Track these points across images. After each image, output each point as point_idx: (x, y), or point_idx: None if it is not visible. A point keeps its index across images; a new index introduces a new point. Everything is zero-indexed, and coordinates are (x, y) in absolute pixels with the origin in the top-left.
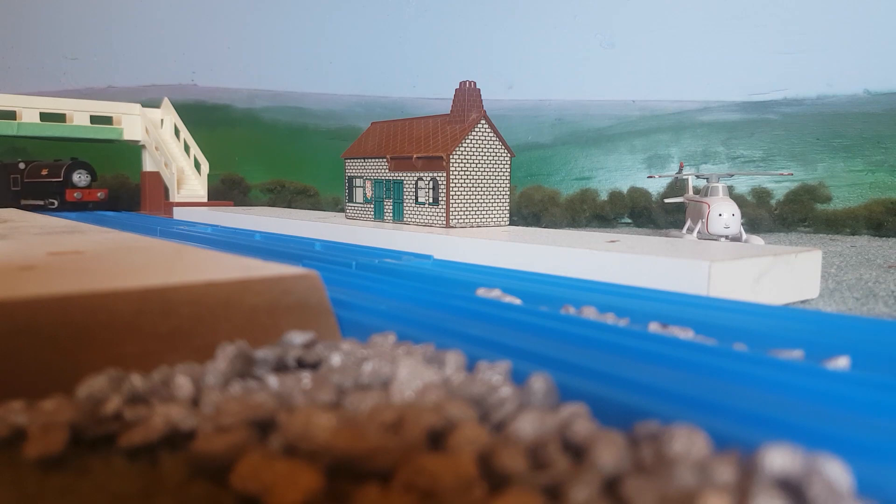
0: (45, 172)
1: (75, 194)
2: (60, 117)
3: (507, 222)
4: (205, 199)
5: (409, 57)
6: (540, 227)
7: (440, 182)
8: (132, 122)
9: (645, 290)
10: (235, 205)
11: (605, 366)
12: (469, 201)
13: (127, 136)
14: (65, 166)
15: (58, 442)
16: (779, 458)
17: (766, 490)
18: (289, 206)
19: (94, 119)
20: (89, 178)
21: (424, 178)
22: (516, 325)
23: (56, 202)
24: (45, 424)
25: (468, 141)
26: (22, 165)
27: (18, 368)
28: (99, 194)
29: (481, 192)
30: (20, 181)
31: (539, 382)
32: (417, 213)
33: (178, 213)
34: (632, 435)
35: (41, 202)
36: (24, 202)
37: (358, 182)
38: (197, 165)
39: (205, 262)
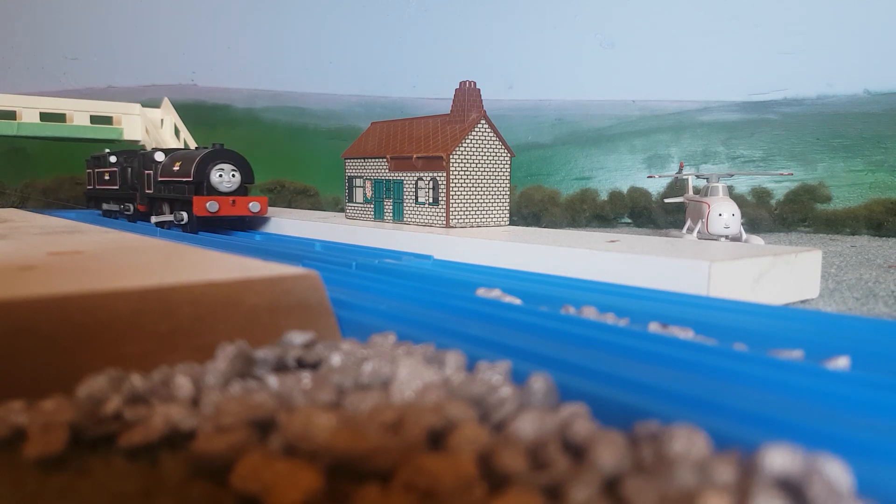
0: (177, 167)
1: (207, 205)
2: (60, 117)
3: (507, 222)
4: None
5: (409, 57)
6: (540, 227)
7: (440, 182)
8: (132, 122)
9: (645, 290)
10: None
11: (605, 366)
12: (469, 201)
13: (127, 136)
14: (197, 158)
15: (58, 442)
16: (779, 458)
17: (766, 490)
18: (289, 206)
19: (94, 119)
20: (238, 179)
21: (424, 178)
22: (516, 325)
23: (185, 216)
24: (45, 424)
25: (468, 141)
26: (160, 156)
27: (18, 368)
28: (252, 205)
29: (481, 192)
30: (153, 180)
31: (539, 382)
32: (417, 213)
33: None
34: (632, 435)
35: (170, 215)
36: (154, 217)
37: (358, 182)
38: None
39: (205, 262)
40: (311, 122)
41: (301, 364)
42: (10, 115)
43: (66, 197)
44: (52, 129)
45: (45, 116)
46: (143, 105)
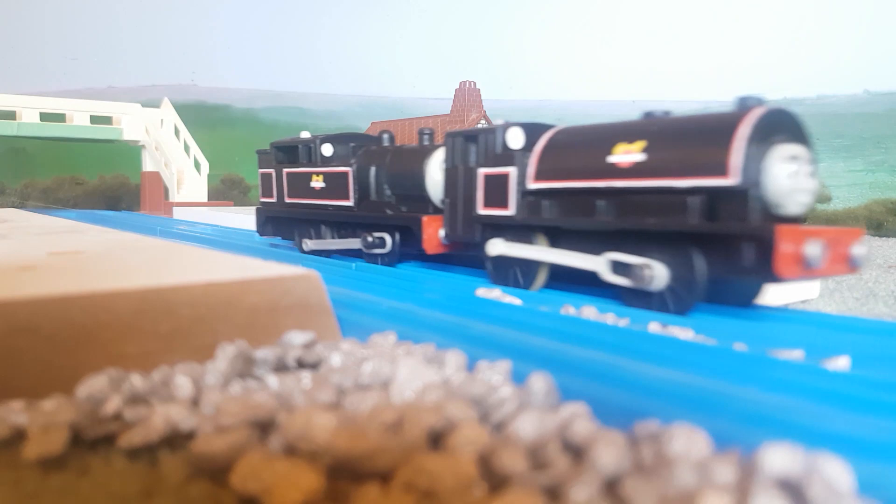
0: (643, 154)
1: (807, 249)
2: (60, 117)
3: None
4: (205, 199)
5: (409, 57)
6: None
7: None
8: (132, 122)
9: None
10: (235, 205)
11: (605, 366)
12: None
13: (127, 136)
14: (749, 131)
15: (58, 442)
16: (779, 458)
17: (766, 490)
18: None
19: (94, 119)
20: (813, 184)
21: None
22: (516, 325)
23: (688, 278)
24: (45, 424)
25: None
26: (517, 137)
27: (18, 368)
28: (856, 253)
29: None
30: (513, 188)
31: (539, 382)
32: None
33: (178, 213)
34: (632, 435)
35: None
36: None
37: None
38: (197, 165)
39: (205, 262)
40: (311, 122)
41: (301, 364)
42: (10, 115)
43: (67, 197)
44: (52, 129)
45: (45, 116)
46: (143, 105)
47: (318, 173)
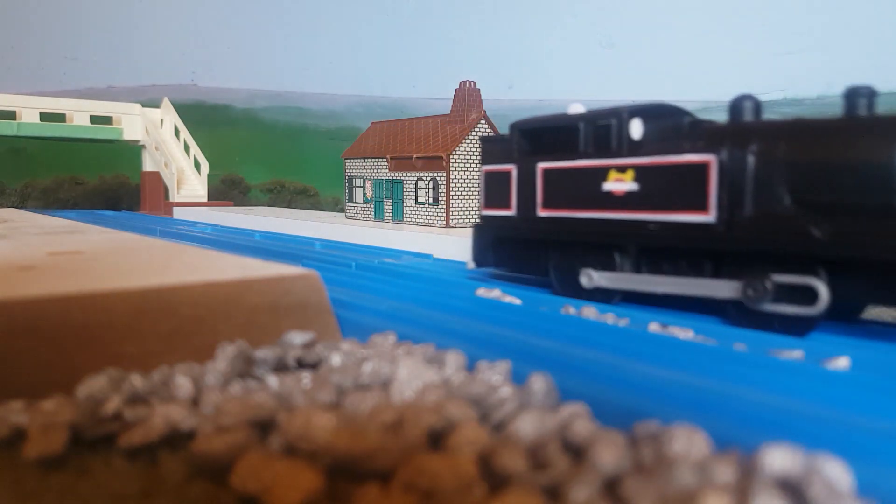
0: None
1: None
2: (60, 117)
3: None
4: (205, 199)
5: (409, 57)
6: None
7: (440, 182)
8: (132, 122)
9: None
10: (235, 205)
11: (605, 366)
12: (469, 201)
13: (127, 136)
14: None
15: (58, 442)
16: (779, 458)
17: (766, 490)
18: (289, 206)
19: (94, 119)
20: None
21: (424, 178)
22: (516, 325)
23: None
24: (45, 424)
25: (468, 141)
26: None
27: (18, 368)
28: None
29: None
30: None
31: (539, 382)
32: (417, 213)
33: (178, 213)
34: (632, 435)
35: None
36: None
37: (358, 182)
38: (197, 165)
39: (205, 262)
40: (311, 122)
41: (301, 364)
42: (10, 115)
43: (66, 197)
44: (52, 129)
45: (45, 116)
46: (143, 105)
47: (623, 167)
